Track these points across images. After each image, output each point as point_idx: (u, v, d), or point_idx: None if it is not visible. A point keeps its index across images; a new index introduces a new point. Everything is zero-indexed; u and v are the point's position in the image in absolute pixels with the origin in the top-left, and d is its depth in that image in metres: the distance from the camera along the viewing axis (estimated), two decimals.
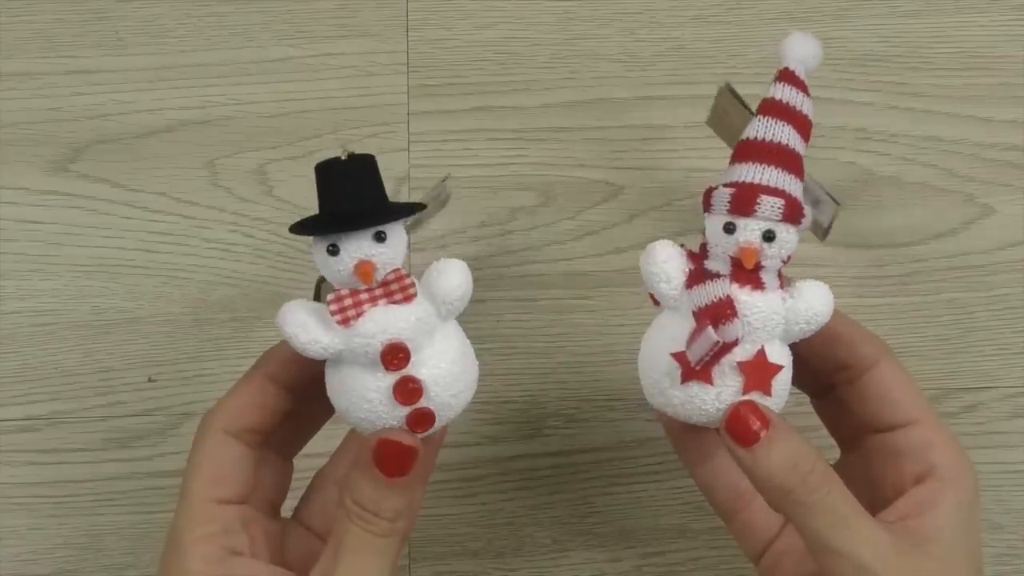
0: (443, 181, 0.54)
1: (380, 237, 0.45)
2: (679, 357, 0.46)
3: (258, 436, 0.48)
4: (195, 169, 0.63)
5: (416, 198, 0.63)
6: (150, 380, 0.61)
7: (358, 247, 0.45)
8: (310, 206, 0.62)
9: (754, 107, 0.52)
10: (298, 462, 0.53)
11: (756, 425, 0.45)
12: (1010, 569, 0.59)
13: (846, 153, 0.64)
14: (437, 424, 0.46)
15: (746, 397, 0.45)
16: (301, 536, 0.51)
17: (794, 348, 0.47)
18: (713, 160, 0.64)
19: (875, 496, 0.48)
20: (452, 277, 0.46)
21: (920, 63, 0.65)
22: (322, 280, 0.49)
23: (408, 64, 0.65)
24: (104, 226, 0.63)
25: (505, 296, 0.62)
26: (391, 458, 0.44)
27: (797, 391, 0.53)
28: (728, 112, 0.56)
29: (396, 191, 0.63)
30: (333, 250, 0.45)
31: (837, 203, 0.53)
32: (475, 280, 0.47)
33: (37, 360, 0.61)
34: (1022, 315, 0.62)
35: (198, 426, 0.48)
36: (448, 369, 0.46)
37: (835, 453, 0.53)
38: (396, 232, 0.46)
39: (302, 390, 0.49)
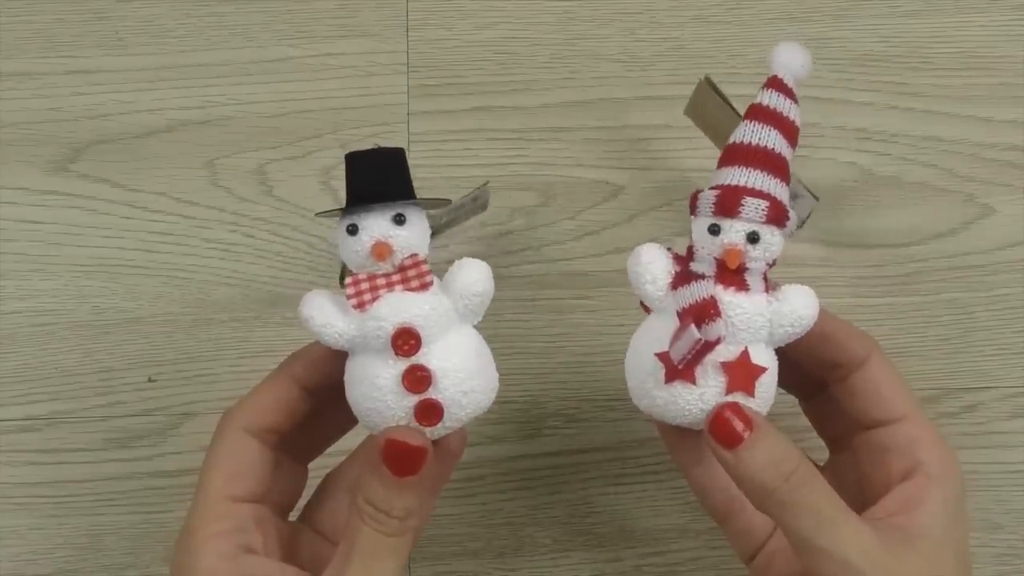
0: (484, 186, 0.54)
1: (399, 220, 0.46)
2: (663, 357, 0.46)
3: (277, 437, 0.49)
4: (195, 169, 0.63)
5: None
6: (150, 380, 0.61)
7: (376, 227, 0.46)
8: (310, 206, 0.63)
9: (737, 105, 0.52)
10: (339, 459, 0.54)
11: (739, 426, 0.45)
12: (1010, 569, 0.59)
13: (846, 153, 0.64)
14: (446, 421, 0.46)
15: (730, 398, 0.45)
16: (310, 538, 0.51)
17: (784, 350, 0.47)
18: (713, 160, 0.64)
19: (864, 494, 0.49)
20: (471, 273, 0.46)
21: (920, 63, 0.65)
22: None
23: (408, 64, 0.65)
24: (104, 226, 0.63)
25: (505, 296, 0.62)
26: (400, 457, 0.45)
27: (786, 393, 0.53)
28: (707, 105, 0.56)
29: None
30: (352, 229, 0.46)
31: (815, 198, 0.53)
32: None
33: (37, 360, 0.61)
34: (1022, 315, 0.62)
35: (218, 423, 0.48)
36: (460, 364, 0.46)
37: (826, 455, 0.53)
38: (416, 218, 0.46)
39: (326, 394, 0.49)
